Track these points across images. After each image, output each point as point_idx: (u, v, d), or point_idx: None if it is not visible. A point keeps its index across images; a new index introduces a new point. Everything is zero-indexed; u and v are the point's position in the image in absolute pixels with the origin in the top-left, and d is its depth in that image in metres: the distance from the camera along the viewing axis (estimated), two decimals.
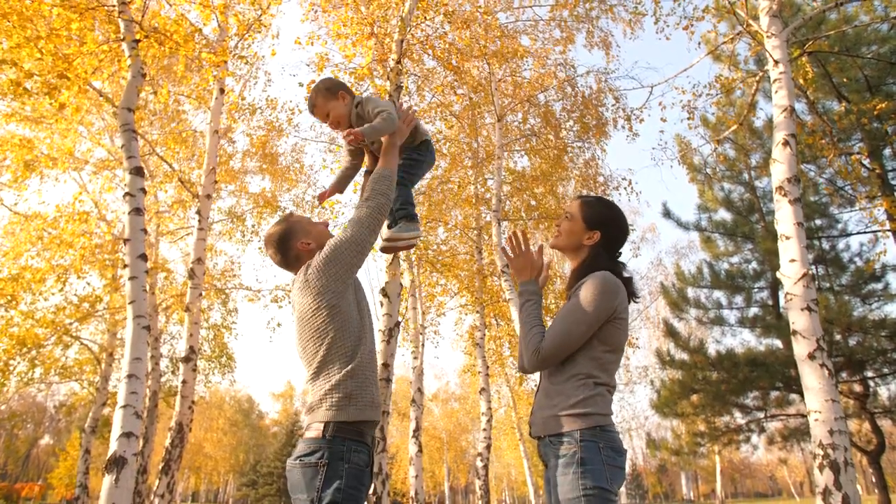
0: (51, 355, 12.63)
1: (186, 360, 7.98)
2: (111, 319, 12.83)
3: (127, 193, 4.41)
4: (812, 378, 4.46)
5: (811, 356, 4.52)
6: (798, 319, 4.72)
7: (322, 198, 2.63)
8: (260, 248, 12.43)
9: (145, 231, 4.58)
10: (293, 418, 44.09)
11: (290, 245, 2.31)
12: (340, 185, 2.67)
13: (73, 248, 10.24)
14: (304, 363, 2.15)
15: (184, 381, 7.85)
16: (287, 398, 48.25)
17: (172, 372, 14.12)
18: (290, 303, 2.28)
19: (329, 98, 2.52)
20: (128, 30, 4.98)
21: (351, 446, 2.01)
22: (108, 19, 5.23)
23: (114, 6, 5.03)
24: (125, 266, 4.31)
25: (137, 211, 4.41)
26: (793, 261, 4.93)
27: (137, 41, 4.91)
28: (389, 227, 2.55)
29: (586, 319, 2.08)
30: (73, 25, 5.14)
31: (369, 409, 2.08)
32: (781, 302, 12.57)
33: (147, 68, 5.22)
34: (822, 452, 4.22)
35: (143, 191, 4.54)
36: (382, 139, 2.47)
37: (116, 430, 3.83)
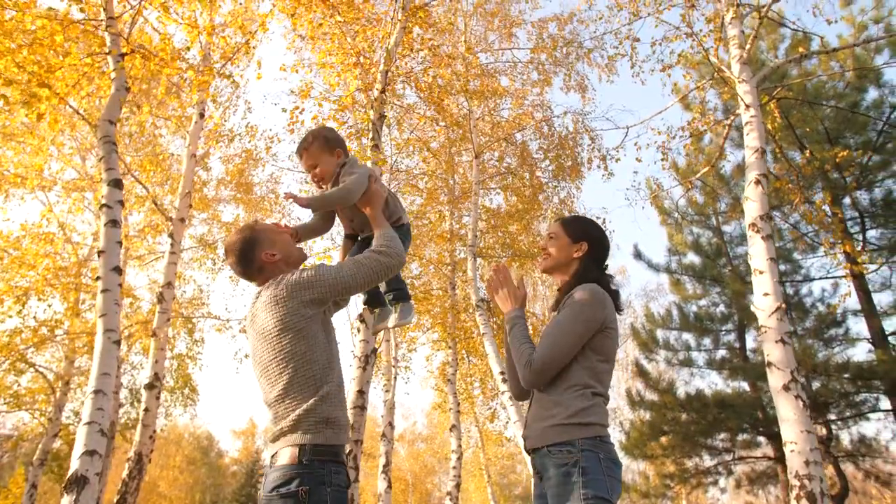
0: (2, 382, 12.04)
1: (150, 386, 7.69)
2: (70, 346, 12.34)
3: (104, 205, 4.31)
4: (787, 409, 4.51)
5: (786, 387, 4.58)
6: (773, 351, 4.80)
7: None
8: (231, 277, 12.17)
9: (120, 244, 4.47)
10: (254, 457, 42.48)
11: (253, 256, 2.14)
12: (304, 236, 2.47)
13: (36, 269, 9.88)
14: (265, 383, 2.02)
15: (146, 409, 7.53)
16: (248, 436, 46.52)
17: (132, 403, 13.57)
18: (251, 315, 2.12)
19: (324, 150, 2.37)
20: (114, 43, 4.95)
21: (330, 468, 1.90)
22: (93, 33, 5.21)
23: (101, 20, 5.02)
24: (98, 278, 4.17)
25: (114, 223, 4.30)
26: (766, 294, 5.05)
27: (123, 55, 4.89)
28: (372, 304, 2.47)
29: (576, 330, 2.09)
30: (56, 38, 5.10)
31: (344, 432, 2.00)
32: (748, 345, 12.81)
33: (130, 83, 5.19)
34: (798, 483, 4.24)
35: (121, 203, 4.44)
36: (366, 211, 2.31)
37: (79, 448, 3.60)
